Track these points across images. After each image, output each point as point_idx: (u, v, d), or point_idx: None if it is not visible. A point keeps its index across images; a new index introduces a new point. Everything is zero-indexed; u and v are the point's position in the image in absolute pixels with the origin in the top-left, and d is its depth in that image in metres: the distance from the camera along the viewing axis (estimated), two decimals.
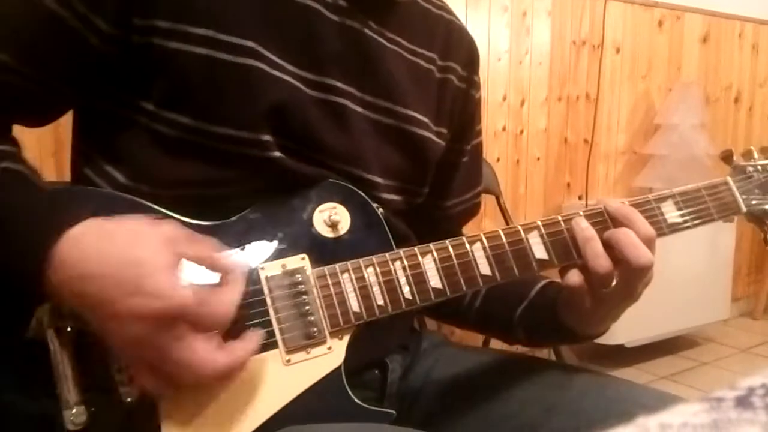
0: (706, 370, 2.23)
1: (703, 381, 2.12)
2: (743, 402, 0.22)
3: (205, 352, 0.47)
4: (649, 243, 0.59)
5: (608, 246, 0.59)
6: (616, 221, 0.61)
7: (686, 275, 2.20)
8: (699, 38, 2.52)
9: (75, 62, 0.56)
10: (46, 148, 1.36)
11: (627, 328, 2.10)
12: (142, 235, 0.47)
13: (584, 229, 0.60)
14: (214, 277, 0.50)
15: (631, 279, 0.59)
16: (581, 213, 0.62)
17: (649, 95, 2.41)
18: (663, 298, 2.15)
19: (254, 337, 0.51)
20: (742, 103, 2.71)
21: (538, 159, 2.17)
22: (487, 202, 2.03)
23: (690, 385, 2.10)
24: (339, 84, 0.62)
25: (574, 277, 0.60)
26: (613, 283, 0.59)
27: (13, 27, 0.55)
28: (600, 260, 0.58)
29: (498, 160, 2.06)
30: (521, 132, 2.12)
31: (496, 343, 1.85)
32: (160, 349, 0.46)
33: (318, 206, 0.60)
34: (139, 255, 0.46)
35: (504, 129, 2.08)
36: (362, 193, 0.62)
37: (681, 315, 2.24)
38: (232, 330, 0.50)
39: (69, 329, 0.50)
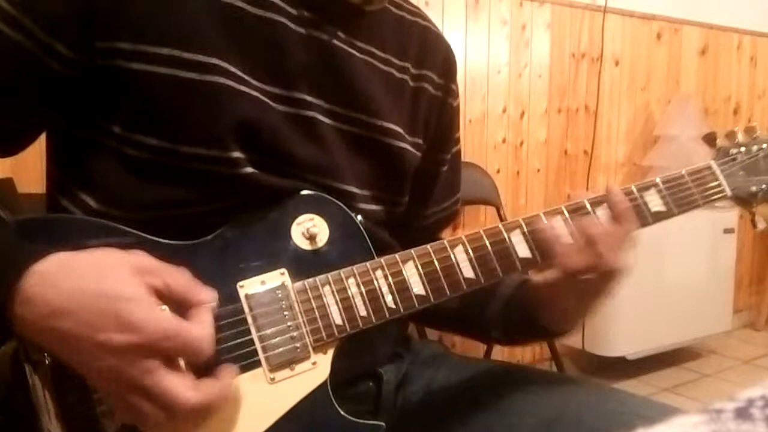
0: (709, 382, 2.22)
1: (706, 393, 2.11)
2: (743, 414, 0.22)
3: (177, 389, 0.46)
4: (629, 245, 0.61)
5: (589, 243, 0.60)
6: (613, 214, 0.62)
7: (687, 287, 2.19)
8: (697, 51, 2.53)
9: (37, 89, 0.56)
10: None
11: (629, 340, 2.09)
12: (110, 268, 0.47)
13: (554, 227, 0.61)
14: (186, 309, 0.49)
15: (605, 277, 0.60)
16: (563, 207, 0.63)
17: (648, 107, 2.42)
18: (664, 310, 2.15)
19: (228, 373, 0.50)
20: (741, 115, 2.72)
21: (539, 170, 2.18)
22: (488, 213, 2.03)
23: (692, 397, 2.09)
24: (307, 97, 0.61)
25: (550, 274, 0.61)
26: (588, 278, 0.60)
27: None
28: (571, 258, 0.59)
29: (498, 171, 2.06)
30: (521, 143, 2.13)
31: (497, 353, 1.85)
32: (133, 383, 0.45)
33: (295, 219, 0.59)
34: (110, 288, 0.45)
35: (504, 141, 2.08)
36: (340, 203, 0.61)
37: (683, 327, 2.23)
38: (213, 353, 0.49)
39: (46, 362, 0.49)
